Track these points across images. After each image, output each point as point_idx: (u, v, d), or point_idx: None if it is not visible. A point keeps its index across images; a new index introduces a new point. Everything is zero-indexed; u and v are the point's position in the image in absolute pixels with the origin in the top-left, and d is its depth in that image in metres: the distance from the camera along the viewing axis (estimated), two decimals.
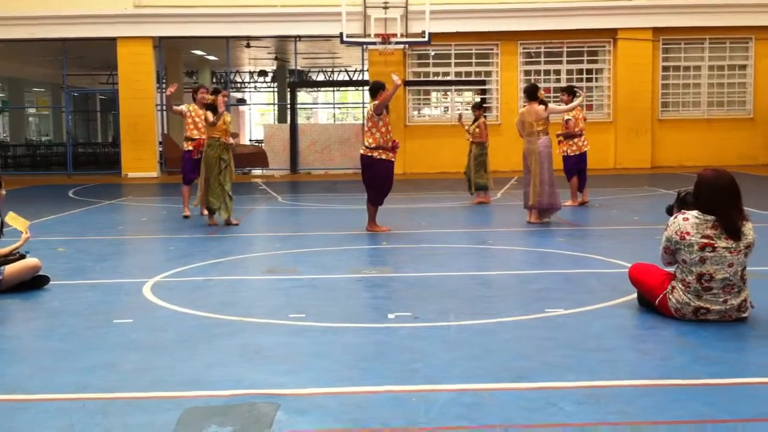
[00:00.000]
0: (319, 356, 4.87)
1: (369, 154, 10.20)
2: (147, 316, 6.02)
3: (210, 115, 10.99)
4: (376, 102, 10.11)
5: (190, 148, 12.19)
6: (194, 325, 5.70)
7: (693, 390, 4.19)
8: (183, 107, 12.33)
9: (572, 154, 13.23)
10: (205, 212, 11.48)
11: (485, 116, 14.55)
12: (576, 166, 13.24)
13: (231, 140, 11.30)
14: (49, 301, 6.59)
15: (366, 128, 10.33)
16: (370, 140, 10.17)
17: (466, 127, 14.27)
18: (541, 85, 21.25)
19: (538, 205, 11.00)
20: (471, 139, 14.02)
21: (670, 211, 5.89)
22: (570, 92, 13.24)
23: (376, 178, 10.26)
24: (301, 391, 4.22)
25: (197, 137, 12.05)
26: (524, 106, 11.81)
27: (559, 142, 13.28)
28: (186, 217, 12.13)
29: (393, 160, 10.38)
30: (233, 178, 11.31)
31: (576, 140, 13.28)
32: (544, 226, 10.84)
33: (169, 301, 6.44)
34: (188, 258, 8.60)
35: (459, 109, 20.30)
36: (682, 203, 5.70)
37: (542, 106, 11.04)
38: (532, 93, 11.23)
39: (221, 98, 11.07)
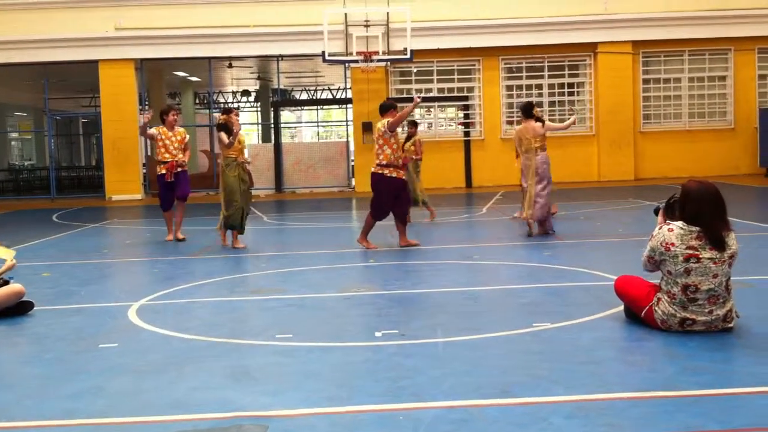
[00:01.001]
0: (306, 376, 4.85)
1: (380, 171, 10.31)
2: (133, 339, 5.98)
3: (225, 137, 10.89)
4: (391, 120, 10.25)
5: (163, 171, 11.96)
6: (180, 347, 5.67)
7: (681, 401, 4.19)
8: (153, 130, 12.04)
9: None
10: (227, 242, 11.18)
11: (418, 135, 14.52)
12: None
13: (248, 159, 11.33)
14: (34, 327, 6.54)
15: (377, 146, 10.35)
16: (381, 157, 10.27)
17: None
18: (523, 99, 21.44)
19: (532, 218, 11.15)
20: (408, 156, 14.26)
21: (657, 212, 5.93)
22: (523, 110, 13.51)
23: (387, 194, 10.32)
24: (289, 412, 4.20)
25: (169, 160, 11.89)
26: (519, 123, 11.94)
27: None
28: (180, 239, 11.89)
29: (403, 177, 10.55)
30: (251, 198, 11.36)
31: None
32: (533, 240, 10.87)
33: (155, 324, 6.40)
34: (173, 280, 8.57)
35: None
36: (670, 208, 5.70)
37: (539, 123, 11.33)
38: (528, 111, 11.53)
39: (235, 117, 11.09)
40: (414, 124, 14.47)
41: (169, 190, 11.96)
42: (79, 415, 4.26)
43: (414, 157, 13.86)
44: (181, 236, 11.92)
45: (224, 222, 11.06)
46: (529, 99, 18.76)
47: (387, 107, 10.49)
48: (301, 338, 5.78)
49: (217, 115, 18.61)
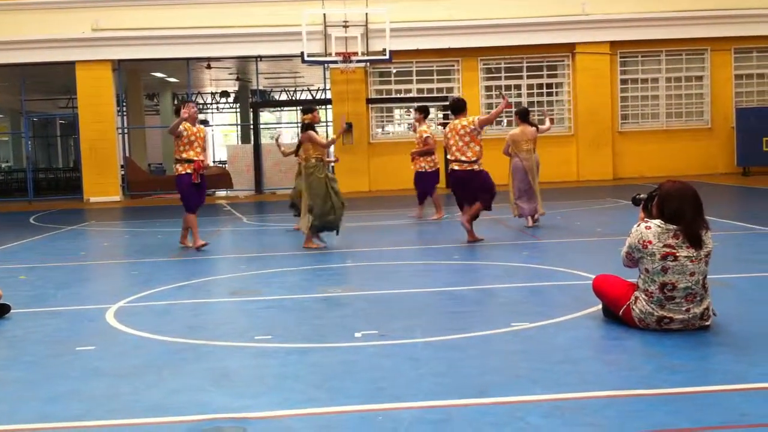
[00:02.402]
0: (285, 378, 4.84)
1: (470, 168, 10.43)
2: (110, 342, 5.94)
3: (319, 137, 10.71)
4: (482, 118, 10.64)
5: (188, 171, 10.80)
6: (159, 350, 5.64)
7: (658, 399, 4.22)
8: (180, 126, 10.74)
9: (430, 170, 14.01)
10: (313, 243, 10.74)
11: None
12: (434, 181, 14.06)
13: (334, 159, 11.21)
14: (10, 330, 6.48)
15: (462, 143, 10.40)
16: (470, 153, 10.39)
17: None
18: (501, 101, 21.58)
19: (529, 213, 12.10)
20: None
21: (635, 201, 5.98)
22: (423, 111, 14.30)
23: (486, 185, 10.47)
24: (268, 413, 4.19)
25: (195, 158, 10.78)
26: (517, 126, 12.40)
27: (413, 158, 14.21)
28: (202, 247, 10.86)
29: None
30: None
31: (433, 157, 14.04)
32: (511, 240, 10.93)
33: (133, 326, 6.37)
34: (152, 282, 8.52)
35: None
36: (650, 200, 5.72)
37: (533, 128, 12.26)
38: (525, 115, 12.41)
39: (317, 114, 11.12)
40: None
41: (194, 192, 10.93)
42: (56, 418, 4.23)
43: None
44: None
45: (314, 225, 10.67)
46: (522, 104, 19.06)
47: (462, 106, 10.70)
48: (281, 340, 5.76)
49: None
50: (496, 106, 12.84)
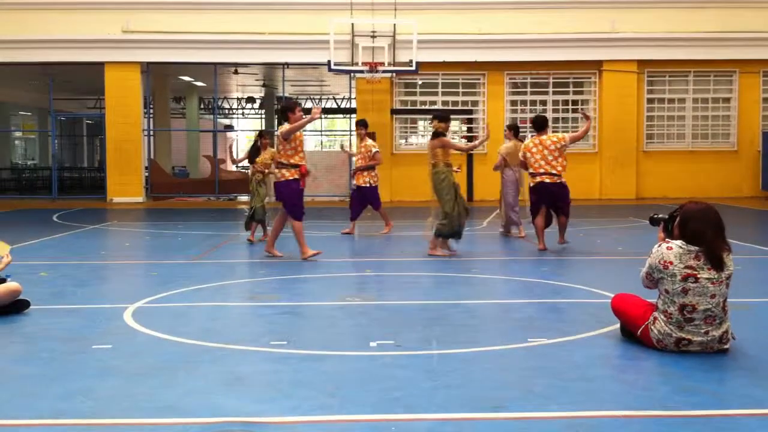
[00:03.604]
0: (298, 384, 4.83)
1: (559, 181, 11.13)
2: (127, 342, 5.96)
3: (457, 143, 11.00)
4: (573, 135, 11.61)
5: (296, 176, 10.28)
6: (174, 351, 5.66)
7: (674, 421, 4.17)
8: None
9: (374, 184, 13.88)
10: (440, 251, 10.77)
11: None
12: (377, 194, 13.96)
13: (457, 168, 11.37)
14: (28, 326, 6.53)
15: (552, 157, 11.06)
16: (560, 168, 11.10)
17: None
18: (526, 115, 21.59)
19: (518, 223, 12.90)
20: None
21: (653, 221, 5.94)
22: (514, 129, 13.92)
23: (569, 198, 11.27)
24: (279, 419, 4.18)
25: (301, 163, 10.30)
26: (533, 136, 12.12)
27: (355, 173, 14.01)
28: (313, 256, 10.44)
29: None
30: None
31: (376, 171, 13.99)
32: (531, 255, 10.88)
33: (150, 327, 6.39)
34: (170, 284, 8.55)
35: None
36: (667, 226, 5.68)
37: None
38: (517, 130, 13.42)
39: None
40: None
41: (301, 198, 10.50)
42: (69, 415, 4.25)
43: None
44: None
45: (443, 231, 10.77)
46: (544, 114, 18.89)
47: (545, 123, 11.45)
48: (296, 346, 5.76)
49: (221, 120, 18.42)
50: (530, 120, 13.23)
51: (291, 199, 10.41)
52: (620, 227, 14.94)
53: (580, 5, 22.27)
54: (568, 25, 22.10)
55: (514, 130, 13.39)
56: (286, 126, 10.31)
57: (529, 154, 11.18)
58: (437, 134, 10.98)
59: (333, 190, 23.44)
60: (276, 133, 10.33)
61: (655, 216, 5.99)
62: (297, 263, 10.21)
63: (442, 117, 11.18)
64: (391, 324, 6.61)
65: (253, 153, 12.71)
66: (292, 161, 10.25)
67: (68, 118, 40.02)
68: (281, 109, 10.73)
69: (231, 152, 13.60)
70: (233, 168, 25.55)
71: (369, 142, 14.04)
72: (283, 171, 10.31)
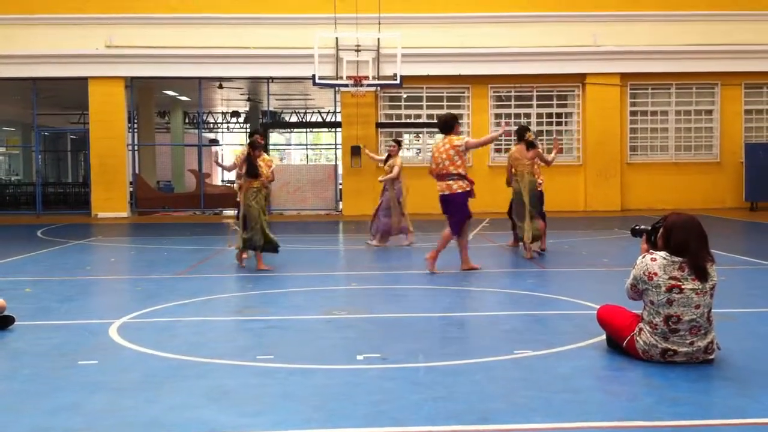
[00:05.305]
0: (286, 398, 4.83)
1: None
2: (113, 357, 5.94)
3: (546, 155, 11.89)
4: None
5: (468, 189, 10.19)
6: (160, 366, 5.64)
7: (659, 431, 4.19)
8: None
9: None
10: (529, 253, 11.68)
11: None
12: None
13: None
14: (13, 342, 6.49)
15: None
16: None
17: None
18: (511, 128, 21.64)
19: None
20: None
21: (634, 233, 5.97)
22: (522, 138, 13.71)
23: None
24: None
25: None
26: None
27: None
28: (472, 269, 10.42)
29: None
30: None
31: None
32: (517, 267, 10.91)
33: (136, 342, 6.37)
34: (156, 299, 8.53)
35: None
36: (653, 232, 5.71)
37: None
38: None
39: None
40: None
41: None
42: (55, 431, 4.23)
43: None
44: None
45: (529, 235, 11.64)
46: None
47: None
48: (282, 360, 5.76)
49: (206, 135, 18.36)
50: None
51: (463, 211, 10.23)
52: (605, 239, 15.00)
53: (563, 19, 22.44)
54: (551, 39, 22.25)
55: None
56: (466, 138, 11.09)
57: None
58: (532, 144, 11.80)
59: (319, 204, 23.45)
60: (456, 143, 10.10)
61: (637, 227, 6.03)
62: (283, 277, 10.20)
63: (527, 128, 12.17)
64: (377, 337, 6.61)
65: (250, 168, 10.88)
66: (463, 171, 10.15)
67: (52, 133, 39.88)
68: (445, 120, 10.42)
69: (218, 158, 13.44)
70: (224, 164, 25.45)
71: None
72: (459, 182, 10.13)
